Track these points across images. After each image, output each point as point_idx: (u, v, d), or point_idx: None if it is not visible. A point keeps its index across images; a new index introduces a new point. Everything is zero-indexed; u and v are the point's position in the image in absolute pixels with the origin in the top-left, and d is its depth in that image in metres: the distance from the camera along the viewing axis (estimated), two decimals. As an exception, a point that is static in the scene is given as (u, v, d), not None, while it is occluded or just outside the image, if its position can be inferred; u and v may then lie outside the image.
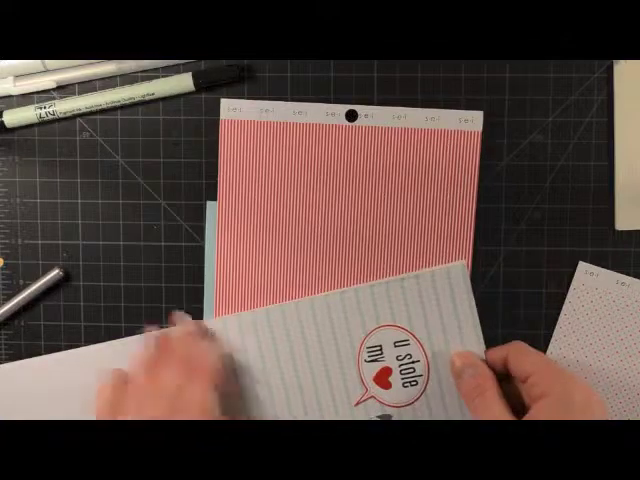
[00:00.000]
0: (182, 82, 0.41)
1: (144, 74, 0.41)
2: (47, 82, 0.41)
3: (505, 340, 0.41)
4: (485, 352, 0.40)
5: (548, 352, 0.42)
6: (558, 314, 0.42)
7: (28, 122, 0.41)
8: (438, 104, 0.41)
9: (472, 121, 0.41)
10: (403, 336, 0.41)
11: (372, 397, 0.41)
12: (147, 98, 0.41)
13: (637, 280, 0.41)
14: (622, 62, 0.40)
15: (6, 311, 0.42)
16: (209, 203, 0.42)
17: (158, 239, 0.42)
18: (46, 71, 0.41)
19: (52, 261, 0.42)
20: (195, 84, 0.40)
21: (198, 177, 0.42)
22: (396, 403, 0.41)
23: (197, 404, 0.38)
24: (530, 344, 0.41)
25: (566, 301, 0.42)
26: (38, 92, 0.42)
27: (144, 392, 0.38)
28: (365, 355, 0.41)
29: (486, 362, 0.40)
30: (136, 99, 0.41)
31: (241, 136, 0.41)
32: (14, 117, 0.41)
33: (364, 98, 0.41)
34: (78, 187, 0.42)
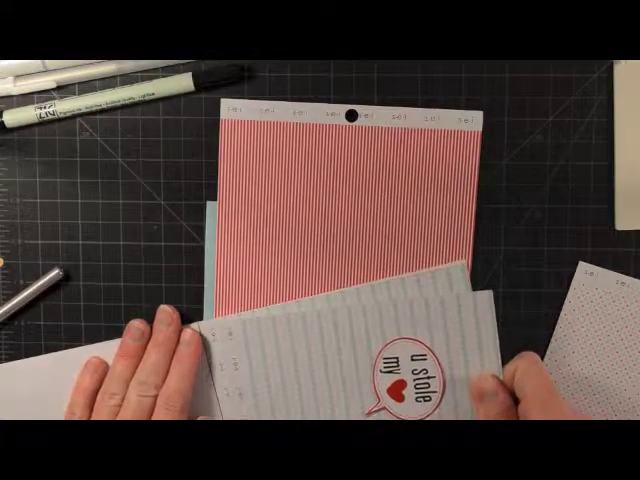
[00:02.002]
0: (182, 82, 0.41)
1: (144, 74, 0.41)
2: (47, 82, 0.41)
3: (504, 340, 0.41)
4: (502, 369, 0.40)
5: (548, 352, 0.42)
6: (558, 314, 0.42)
7: (28, 122, 0.41)
8: (438, 104, 0.41)
9: (472, 121, 0.41)
10: (421, 350, 0.41)
11: (384, 408, 0.41)
12: (147, 98, 0.41)
13: (637, 280, 0.41)
14: (622, 62, 0.40)
15: (6, 311, 0.42)
16: (209, 203, 0.42)
17: (158, 239, 0.42)
18: (46, 71, 0.41)
19: (52, 261, 0.42)
20: (195, 84, 0.40)
21: (198, 177, 0.42)
22: (408, 417, 0.41)
23: (175, 387, 0.39)
24: (530, 344, 0.41)
25: (566, 301, 0.42)
26: (38, 92, 0.42)
27: (122, 376, 0.40)
28: (381, 366, 0.41)
29: (504, 383, 0.39)
30: (136, 99, 0.41)
31: (241, 136, 0.41)
32: (14, 117, 0.41)
33: (364, 98, 0.41)
34: (78, 187, 0.42)
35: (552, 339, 0.42)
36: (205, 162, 0.42)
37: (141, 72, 0.41)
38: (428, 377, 0.41)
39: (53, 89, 0.41)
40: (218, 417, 0.42)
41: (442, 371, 0.41)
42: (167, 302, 0.42)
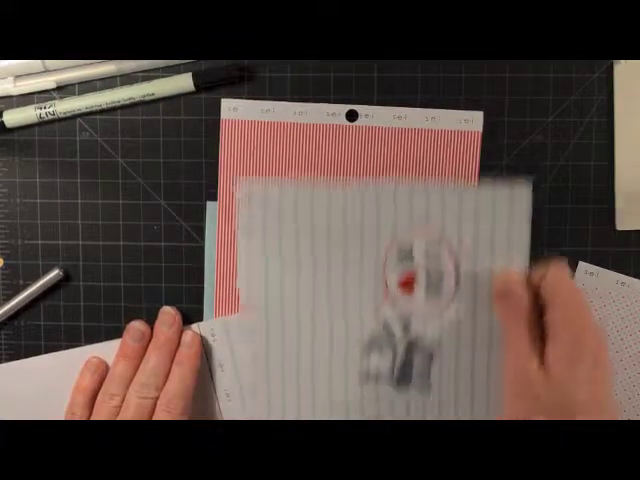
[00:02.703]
0: (182, 82, 0.40)
1: (144, 74, 0.41)
2: (47, 82, 0.41)
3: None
4: (529, 272, 0.37)
5: (548, 352, 0.42)
6: (558, 314, 0.42)
7: (28, 122, 0.41)
8: (438, 104, 0.41)
9: (472, 121, 0.41)
10: (436, 244, 0.38)
11: (394, 302, 0.39)
12: (147, 98, 0.41)
13: (637, 280, 0.41)
14: (622, 62, 0.40)
15: (6, 311, 0.42)
16: (209, 203, 0.42)
17: (158, 239, 0.42)
18: (46, 71, 0.41)
19: (52, 261, 0.42)
20: (195, 84, 0.40)
21: (198, 177, 0.42)
22: (418, 312, 0.39)
23: (176, 389, 0.39)
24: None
25: (566, 301, 0.41)
26: (38, 92, 0.42)
27: (123, 377, 0.40)
28: (394, 257, 0.39)
29: (529, 285, 0.36)
30: (136, 99, 0.41)
31: (241, 136, 0.41)
32: (14, 117, 0.41)
33: (364, 98, 0.41)
34: (78, 187, 0.42)
35: (552, 339, 0.42)
36: (205, 162, 0.42)
37: (141, 72, 0.41)
38: (442, 271, 0.38)
39: (53, 89, 0.41)
40: (218, 417, 0.42)
41: (458, 266, 0.38)
42: (167, 302, 0.42)
